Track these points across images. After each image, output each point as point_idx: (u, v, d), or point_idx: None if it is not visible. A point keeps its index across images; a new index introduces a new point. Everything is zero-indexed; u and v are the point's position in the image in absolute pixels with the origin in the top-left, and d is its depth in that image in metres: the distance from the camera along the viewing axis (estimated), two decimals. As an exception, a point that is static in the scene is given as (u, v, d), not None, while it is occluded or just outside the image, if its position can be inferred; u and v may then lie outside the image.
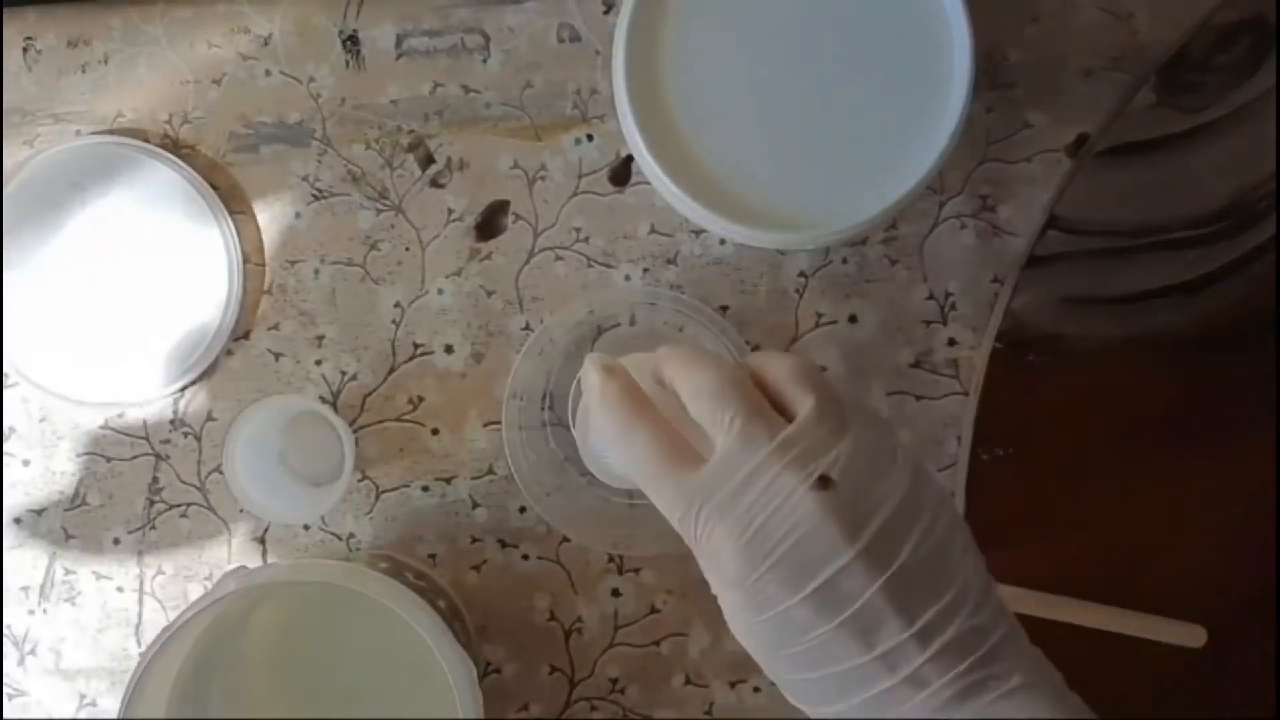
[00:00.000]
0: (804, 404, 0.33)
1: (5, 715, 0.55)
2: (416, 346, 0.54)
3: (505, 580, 0.54)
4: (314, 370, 0.54)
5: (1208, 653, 0.51)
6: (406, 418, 0.54)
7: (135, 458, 0.54)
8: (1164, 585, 0.51)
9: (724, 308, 0.54)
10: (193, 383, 0.54)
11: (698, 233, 0.53)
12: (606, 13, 0.53)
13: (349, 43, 0.53)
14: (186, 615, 0.42)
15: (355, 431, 0.54)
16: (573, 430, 0.50)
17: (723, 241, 0.53)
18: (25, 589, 0.55)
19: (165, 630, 0.41)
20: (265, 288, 0.54)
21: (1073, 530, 0.52)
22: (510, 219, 0.54)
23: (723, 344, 0.52)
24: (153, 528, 0.54)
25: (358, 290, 0.54)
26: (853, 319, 0.54)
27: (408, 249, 0.54)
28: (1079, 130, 0.53)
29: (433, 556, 0.54)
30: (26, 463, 0.54)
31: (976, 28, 0.47)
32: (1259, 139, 0.51)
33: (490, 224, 0.54)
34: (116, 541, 0.54)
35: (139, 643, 0.55)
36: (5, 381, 0.54)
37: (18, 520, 0.54)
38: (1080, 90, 0.53)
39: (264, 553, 0.54)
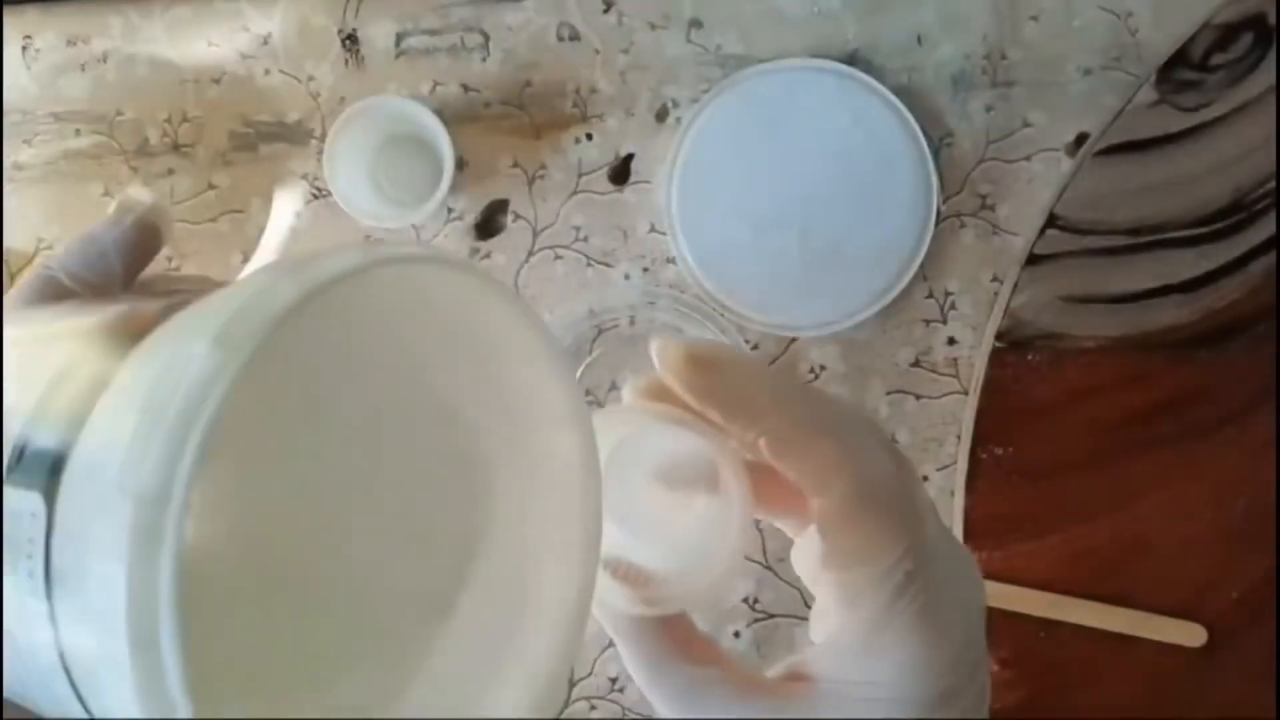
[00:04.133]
0: None
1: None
2: (416, 346, 0.54)
3: (505, 579, 0.54)
4: (313, 369, 0.54)
5: (1207, 652, 0.51)
6: (406, 417, 0.54)
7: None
8: (1164, 585, 0.51)
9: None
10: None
11: (697, 232, 0.53)
12: (606, 12, 0.53)
13: (348, 42, 0.53)
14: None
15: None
16: None
17: (722, 241, 0.54)
18: (24, 588, 0.54)
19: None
20: (265, 287, 0.54)
21: (1072, 529, 0.52)
22: (510, 218, 0.54)
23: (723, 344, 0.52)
24: (152, 527, 0.54)
25: (357, 289, 0.54)
26: (852, 318, 0.54)
27: (407, 248, 0.54)
28: (1079, 129, 0.53)
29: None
30: (26, 462, 0.54)
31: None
32: (1259, 138, 0.51)
33: (490, 223, 0.54)
34: (116, 541, 0.54)
35: (138, 642, 0.55)
36: (4, 380, 0.54)
37: (17, 519, 0.54)
38: (1080, 89, 0.53)
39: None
